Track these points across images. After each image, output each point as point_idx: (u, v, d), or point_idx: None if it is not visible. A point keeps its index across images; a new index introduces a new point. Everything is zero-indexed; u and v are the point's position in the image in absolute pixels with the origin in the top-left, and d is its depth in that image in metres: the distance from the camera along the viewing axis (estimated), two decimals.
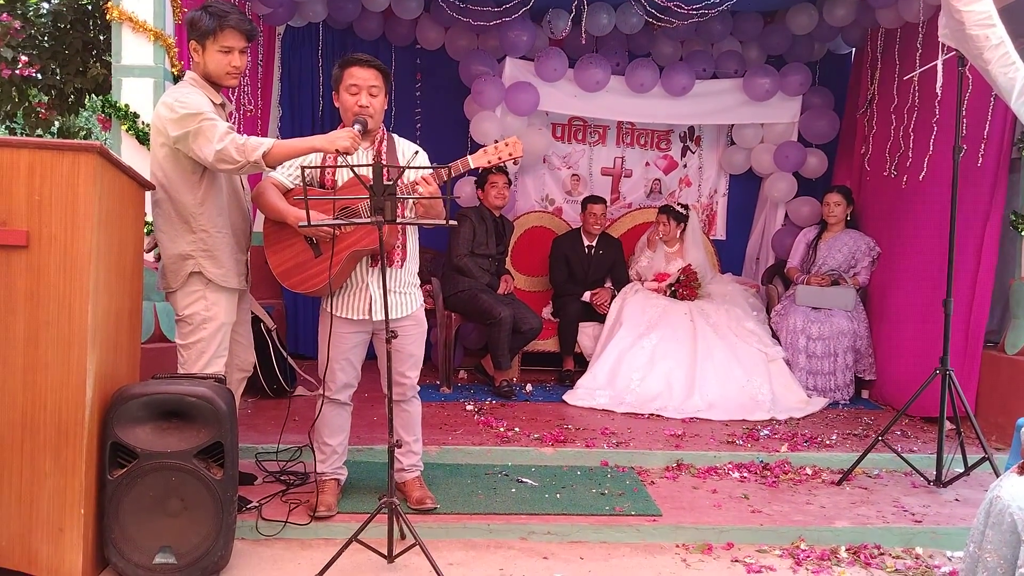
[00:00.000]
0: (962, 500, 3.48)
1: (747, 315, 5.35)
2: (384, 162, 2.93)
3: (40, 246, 2.38)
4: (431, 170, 2.91)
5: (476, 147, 6.00)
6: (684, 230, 5.64)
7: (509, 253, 5.72)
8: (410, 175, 2.97)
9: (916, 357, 4.63)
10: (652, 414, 4.61)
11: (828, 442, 4.14)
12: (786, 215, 6.31)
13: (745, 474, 3.73)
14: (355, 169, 2.63)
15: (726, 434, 4.25)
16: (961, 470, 3.55)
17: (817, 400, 4.96)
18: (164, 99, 2.79)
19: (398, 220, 2.64)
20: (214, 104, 2.83)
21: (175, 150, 2.75)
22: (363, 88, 2.93)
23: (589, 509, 3.19)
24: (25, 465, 2.41)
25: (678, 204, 5.75)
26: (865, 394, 5.27)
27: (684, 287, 5.44)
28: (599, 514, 3.14)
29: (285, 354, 4.70)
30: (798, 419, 4.67)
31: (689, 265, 5.54)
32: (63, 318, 2.39)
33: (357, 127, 2.83)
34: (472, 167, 3.00)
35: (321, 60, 6.00)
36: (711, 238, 6.42)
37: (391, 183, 2.55)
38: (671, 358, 4.88)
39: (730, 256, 6.48)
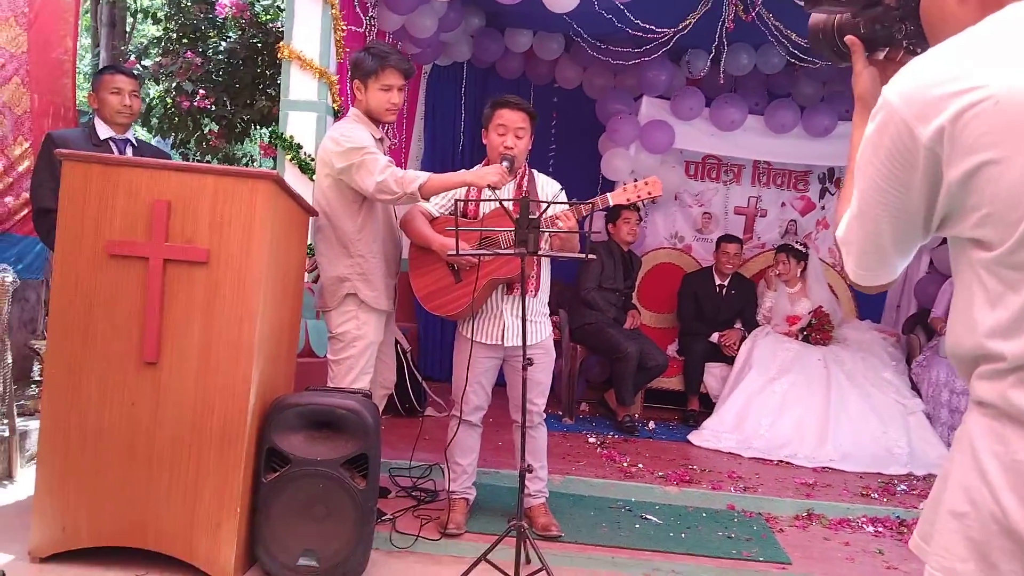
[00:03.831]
0: None
1: (885, 364, 5.15)
2: (525, 195, 3.06)
3: (219, 263, 2.61)
4: (573, 206, 3.02)
5: (607, 183, 6.15)
6: (804, 269, 5.50)
7: (636, 288, 5.74)
8: (550, 210, 3.08)
9: None
10: (781, 461, 4.49)
11: None
12: (930, 262, 6.03)
13: (880, 529, 3.59)
14: (503, 203, 2.76)
15: (860, 486, 4.09)
16: None
17: None
18: (330, 133, 3.02)
19: (539, 252, 2.75)
20: (374, 139, 3.03)
21: (338, 180, 2.97)
22: (510, 129, 3.07)
23: (716, 551, 3.15)
24: (192, 462, 2.63)
25: (797, 242, 5.63)
26: None
27: (817, 331, 5.29)
28: (726, 557, 3.10)
29: (418, 375, 4.89)
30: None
31: (821, 307, 5.39)
32: (234, 330, 2.61)
33: (505, 164, 2.97)
34: (611, 204, 3.08)
35: (464, 98, 6.27)
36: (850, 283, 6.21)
37: (535, 217, 2.66)
38: (802, 404, 4.75)
39: (869, 303, 6.23)
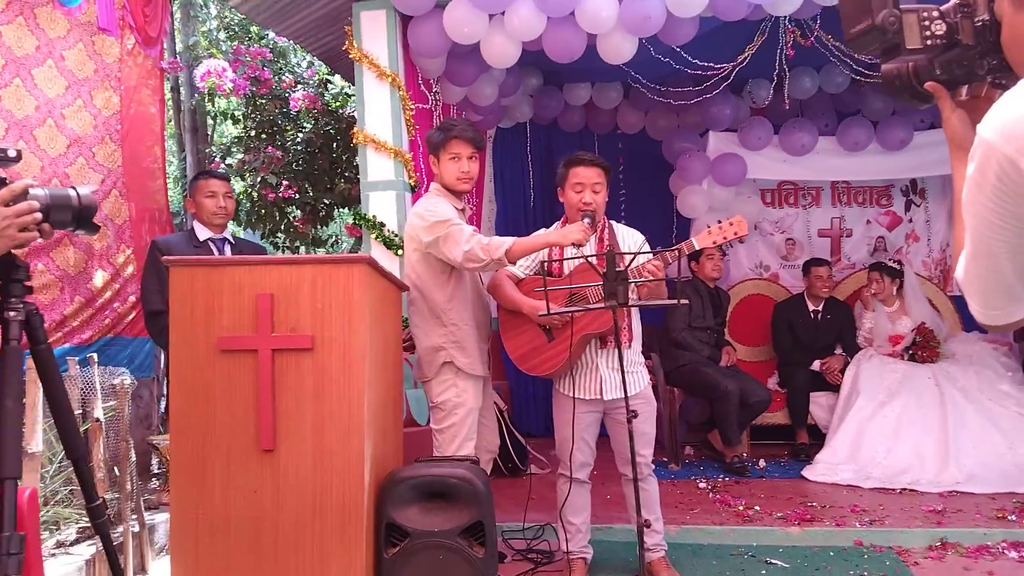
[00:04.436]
0: None
1: (1000, 376, 4.90)
2: (609, 249, 3.08)
3: (323, 348, 2.70)
4: (658, 255, 3.02)
5: (683, 221, 6.12)
6: (901, 286, 5.31)
7: (727, 323, 5.64)
8: (636, 260, 3.08)
9: None
10: (904, 489, 4.29)
11: None
12: None
13: None
14: (588, 259, 2.79)
15: (994, 508, 3.86)
16: None
17: None
18: (415, 210, 3.13)
19: (629, 303, 2.75)
20: (456, 209, 3.12)
21: (427, 254, 3.06)
22: (587, 186, 3.12)
23: None
24: (315, 545, 2.69)
25: (889, 259, 5.45)
26: None
27: (923, 348, 5.09)
28: None
29: (517, 433, 4.89)
30: None
31: (924, 323, 5.19)
32: (343, 410, 2.68)
33: (587, 221, 3.00)
34: (697, 248, 3.07)
35: (530, 155, 6.38)
36: (949, 294, 5.96)
37: (622, 269, 2.67)
38: (918, 427, 4.55)
39: None
